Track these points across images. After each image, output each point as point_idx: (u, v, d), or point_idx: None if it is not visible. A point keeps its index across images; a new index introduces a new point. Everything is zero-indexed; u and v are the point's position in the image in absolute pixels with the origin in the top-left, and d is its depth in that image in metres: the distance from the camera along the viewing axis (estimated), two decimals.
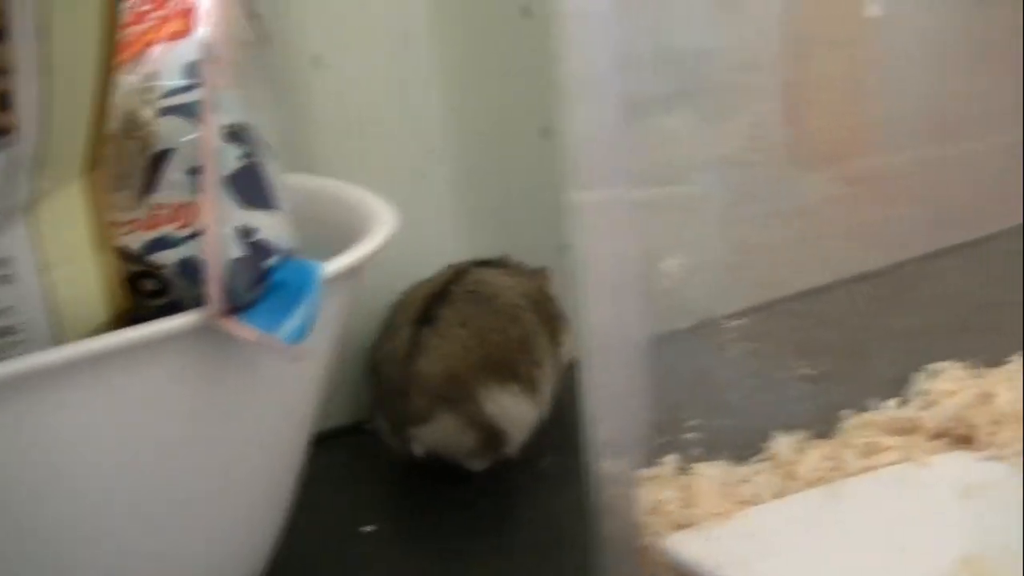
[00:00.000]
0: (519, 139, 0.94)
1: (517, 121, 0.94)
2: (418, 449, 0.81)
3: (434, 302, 0.83)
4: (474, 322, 0.82)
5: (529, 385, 0.82)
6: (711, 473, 0.69)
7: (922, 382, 0.79)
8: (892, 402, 0.78)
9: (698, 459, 0.71)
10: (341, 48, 0.84)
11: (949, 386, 0.77)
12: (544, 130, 0.94)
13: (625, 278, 0.63)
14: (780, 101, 0.89)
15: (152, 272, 0.56)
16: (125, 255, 0.56)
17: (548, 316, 0.87)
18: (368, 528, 0.79)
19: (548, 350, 0.85)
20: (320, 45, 0.84)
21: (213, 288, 0.53)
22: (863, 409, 0.77)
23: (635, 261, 0.65)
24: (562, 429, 0.83)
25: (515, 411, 0.82)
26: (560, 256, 0.81)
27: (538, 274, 0.90)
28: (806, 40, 0.89)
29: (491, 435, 0.81)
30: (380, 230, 0.64)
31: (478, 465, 0.83)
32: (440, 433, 0.81)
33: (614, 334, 0.62)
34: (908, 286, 0.90)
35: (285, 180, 0.61)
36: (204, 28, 0.58)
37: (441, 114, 0.91)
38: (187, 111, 0.56)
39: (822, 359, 0.81)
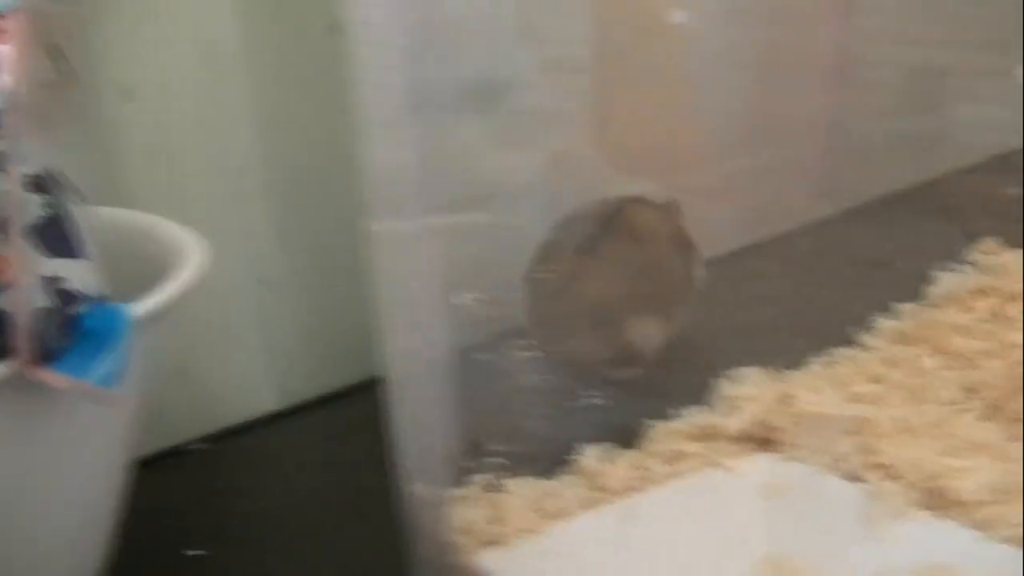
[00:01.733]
0: (335, 154, 0.97)
1: (332, 136, 0.96)
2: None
3: (597, 236, 0.89)
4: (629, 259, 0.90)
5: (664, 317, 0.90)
6: (519, 489, 0.73)
7: (724, 388, 0.83)
8: (696, 409, 0.82)
9: (507, 476, 0.74)
10: (151, 78, 0.86)
11: (750, 390, 0.82)
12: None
13: (426, 304, 0.66)
14: (587, 122, 0.93)
15: None
16: None
17: (686, 248, 0.93)
18: (194, 552, 0.81)
19: (684, 285, 0.93)
20: (129, 76, 0.85)
21: (21, 339, 0.55)
22: (669, 417, 0.81)
23: (436, 286, 0.68)
24: (380, 446, 0.87)
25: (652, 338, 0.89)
26: None
27: (672, 209, 0.94)
28: (613, 59, 0.93)
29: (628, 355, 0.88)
30: (190, 267, 0.66)
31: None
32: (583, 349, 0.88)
33: (417, 358, 0.65)
34: (709, 289, 0.94)
35: (95, 217, 0.63)
36: (4, 76, 0.60)
37: (254, 134, 0.93)
38: None
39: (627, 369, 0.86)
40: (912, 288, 0.98)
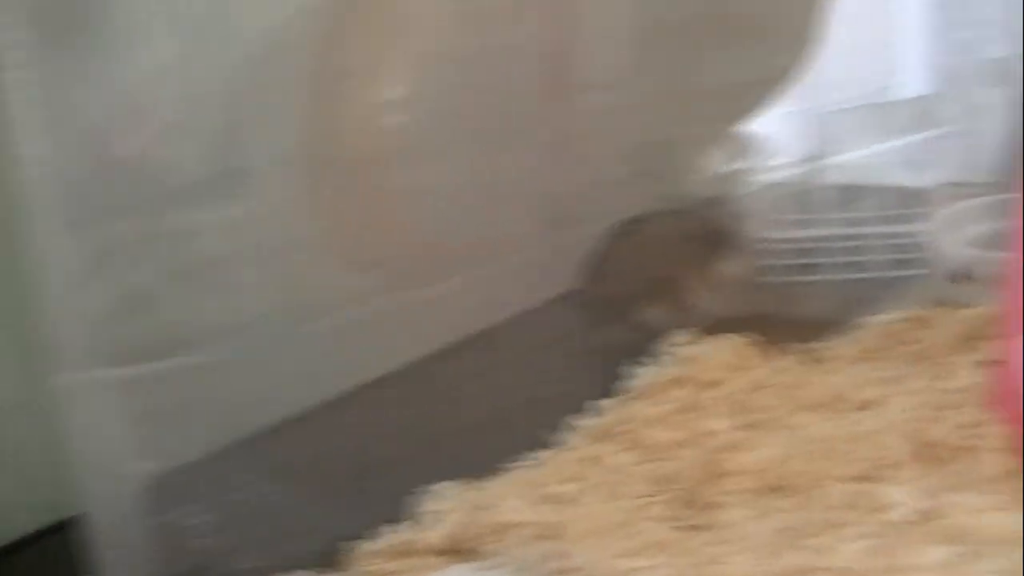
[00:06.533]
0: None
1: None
2: None
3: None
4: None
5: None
6: None
7: (424, 502, 0.92)
8: (399, 525, 0.91)
9: None
10: None
11: (448, 503, 0.90)
12: None
13: (120, 453, 0.73)
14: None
15: None
16: None
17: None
18: None
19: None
20: None
21: None
22: (369, 537, 0.90)
23: (130, 436, 0.76)
24: None
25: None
26: None
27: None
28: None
29: None
30: None
31: None
32: None
33: (115, 508, 0.72)
34: (415, 392, 1.04)
35: None
36: None
37: None
38: None
39: (328, 486, 0.93)
40: (612, 381, 1.07)
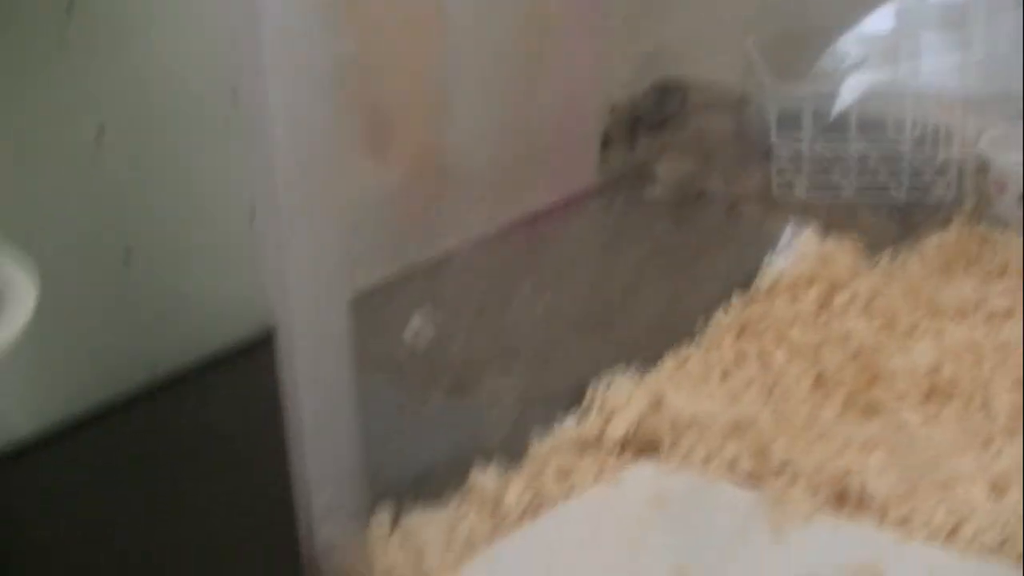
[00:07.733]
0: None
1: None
2: None
3: None
4: None
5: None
6: (426, 524, 0.73)
7: (596, 393, 0.85)
8: (573, 418, 0.83)
9: (410, 505, 0.74)
10: None
11: (622, 395, 0.83)
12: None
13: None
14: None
15: None
16: None
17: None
18: None
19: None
20: None
21: None
22: (548, 426, 0.82)
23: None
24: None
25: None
26: None
27: None
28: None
29: None
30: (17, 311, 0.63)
31: None
32: None
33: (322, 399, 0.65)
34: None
35: None
36: None
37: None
38: None
39: (501, 379, 0.86)
40: (737, 278, 1.01)
